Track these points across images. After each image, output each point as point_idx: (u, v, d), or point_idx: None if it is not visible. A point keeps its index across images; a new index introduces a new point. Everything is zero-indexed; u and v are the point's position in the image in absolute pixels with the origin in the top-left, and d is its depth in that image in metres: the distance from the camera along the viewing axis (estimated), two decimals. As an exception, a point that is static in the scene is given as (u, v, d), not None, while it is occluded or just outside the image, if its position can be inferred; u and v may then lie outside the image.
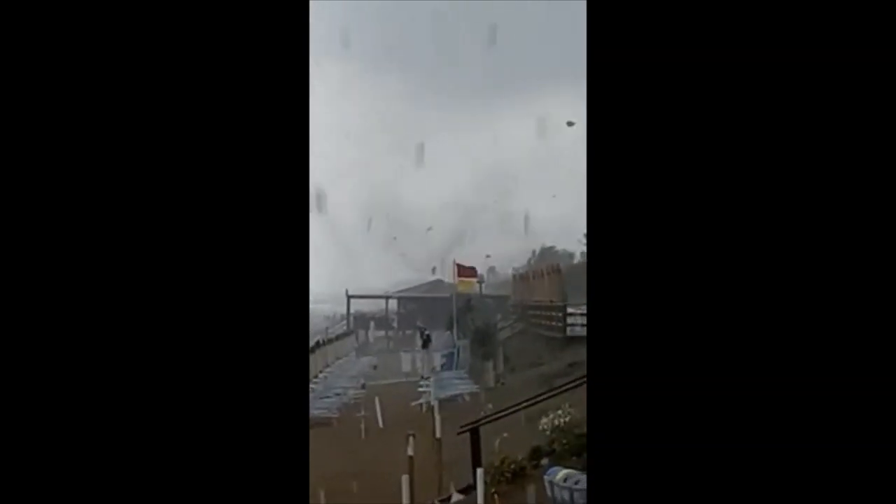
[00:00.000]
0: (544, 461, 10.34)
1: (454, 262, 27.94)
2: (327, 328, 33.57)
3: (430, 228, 34.16)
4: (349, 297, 37.10)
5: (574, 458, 9.93)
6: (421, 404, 18.46)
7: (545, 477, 9.33)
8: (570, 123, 25.31)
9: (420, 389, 19.86)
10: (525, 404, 11.87)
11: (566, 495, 8.81)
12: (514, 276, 35.28)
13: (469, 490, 9.86)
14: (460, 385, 20.09)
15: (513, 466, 10.24)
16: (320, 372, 23.52)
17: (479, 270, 30.25)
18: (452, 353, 24.55)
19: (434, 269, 34.25)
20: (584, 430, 10.62)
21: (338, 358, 27.74)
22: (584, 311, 22.92)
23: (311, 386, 19.72)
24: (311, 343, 23.30)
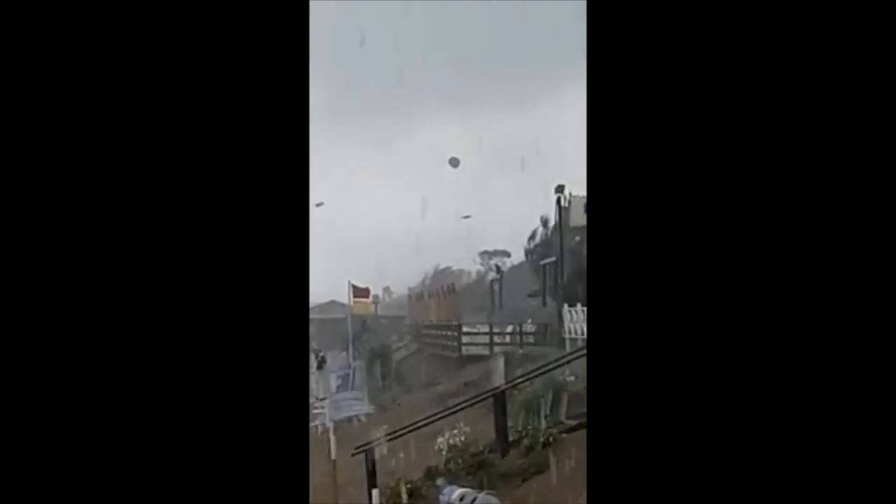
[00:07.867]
0: (440, 481, 10.38)
1: (349, 282, 27.74)
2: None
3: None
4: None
5: (469, 476, 10.01)
6: (316, 426, 18.29)
7: (441, 497, 9.35)
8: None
9: (315, 411, 19.64)
10: (420, 424, 11.90)
11: (462, 514, 8.85)
12: (409, 296, 35.32)
13: (365, 512, 9.82)
14: (356, 406, 19.99)
15: (408, 487, 10.24)
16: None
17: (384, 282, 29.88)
18: (348, 375, 24.36)
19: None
20: (479, 448, 10.74)
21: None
22: (479, 331, 23.19)
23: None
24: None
